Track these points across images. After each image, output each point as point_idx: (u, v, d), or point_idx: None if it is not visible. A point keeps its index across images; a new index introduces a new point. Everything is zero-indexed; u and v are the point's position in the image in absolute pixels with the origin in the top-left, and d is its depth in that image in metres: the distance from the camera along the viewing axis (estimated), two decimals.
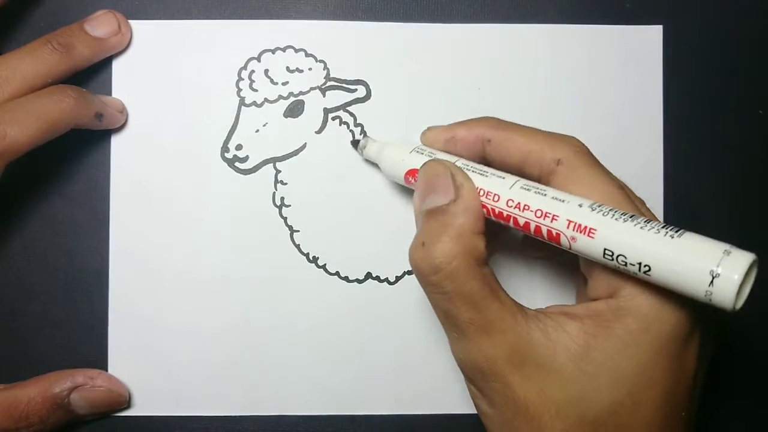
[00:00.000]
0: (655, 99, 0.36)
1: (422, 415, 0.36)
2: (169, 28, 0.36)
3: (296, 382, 0.36)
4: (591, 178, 0.28)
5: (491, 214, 0.29)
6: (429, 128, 0.33)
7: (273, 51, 0.36)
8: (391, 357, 0.36)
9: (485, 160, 0.31)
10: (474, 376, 0.28)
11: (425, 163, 0.30)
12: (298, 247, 0.36)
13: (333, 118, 0.36)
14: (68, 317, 0.36)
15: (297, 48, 0.36)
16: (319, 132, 0.36)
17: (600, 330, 0.26)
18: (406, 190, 0.36)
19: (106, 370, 0.35)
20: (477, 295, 0.26)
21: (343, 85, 0.36)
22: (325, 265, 0.36)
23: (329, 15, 0.36)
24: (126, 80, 0.36)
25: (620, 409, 0.26)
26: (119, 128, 0.35)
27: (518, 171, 0.30)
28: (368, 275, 0.36)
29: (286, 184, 0.36)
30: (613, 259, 0.25)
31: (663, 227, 0.25)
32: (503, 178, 0.29)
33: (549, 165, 0.29)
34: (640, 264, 0.25)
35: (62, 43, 0.33)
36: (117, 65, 0.36)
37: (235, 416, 0.36)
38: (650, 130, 0.36)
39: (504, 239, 0.35)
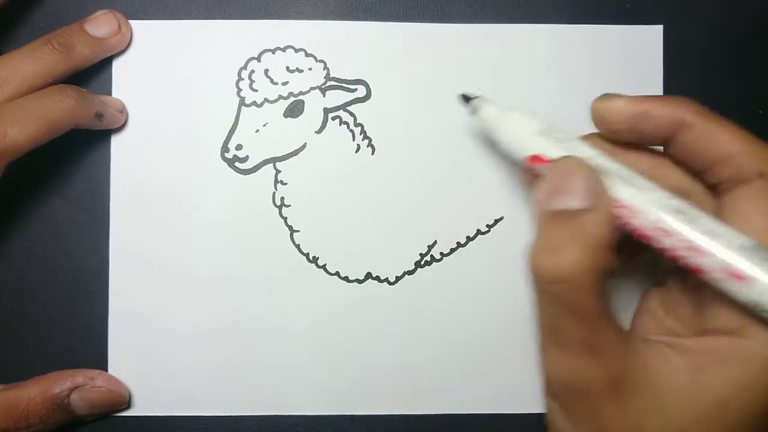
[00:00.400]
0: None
1: (422, 415, 0.36)
2: (169, 28, 0.36)
3: (296, 382, 0.36)
4: None
5: (625, 228, 0.26)
6: (608, 96, 0.28)
7: (273, 51, 0.36)
8: (391, 357, 0.36)
9: (666, 146, 0.28)
10: (562, 394, 0.26)
11: (562, 159, 0.27)
12: (298, 247, 0.36)
13: (333, 118, 0.36)
14: (68, 317, 0.36)
15: (297, 48, 0.36)
16: (319, 132, 0.36)
17: (713, 368, 0.24)
18: (407, 191, 0.36)
19: (106, 370, 0.35)
20: (594, 314, 0.24)
21: (343, 85, 0.36)
22: (325, 265, 0.36)
23: (329, 15, 0.36)
24: (126, 80, 0.36)
25: None
26: (119, 128, 0.35)
27: (704, 168, 0.27)
28: (368, 275, 0.36)
29: (286, 184, 0.36)
30: (761, 312, 0.23)
31: None
32: (651, 190, 0.26)
33: (748, 173, 0.26)
34: None
35: (62, 43, 0.33)
36: (117, 65, 0.36)
37: (235, 416, 0.36)
38: None
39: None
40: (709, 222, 0.25)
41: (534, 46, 0.36)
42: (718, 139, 0.26)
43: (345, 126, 0.36)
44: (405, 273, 0.36)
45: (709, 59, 0.37)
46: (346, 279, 0.36)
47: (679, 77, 0.36)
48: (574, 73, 0.36)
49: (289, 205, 0.36)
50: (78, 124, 0.33)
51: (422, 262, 0.36)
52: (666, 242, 0.25)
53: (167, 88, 0.36)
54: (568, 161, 0.26)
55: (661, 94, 0.36)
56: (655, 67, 0.36)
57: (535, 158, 0.28)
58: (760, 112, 0.37)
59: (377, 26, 0.36)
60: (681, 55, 0.36)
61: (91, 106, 0.33)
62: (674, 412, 0.24)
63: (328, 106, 0.36)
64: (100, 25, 0.34)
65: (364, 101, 0.36)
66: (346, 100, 0.36)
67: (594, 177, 0.26)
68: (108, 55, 0.35)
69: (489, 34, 0.36)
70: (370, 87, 0.36)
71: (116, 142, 0.36)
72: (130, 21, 0.35)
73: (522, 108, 0.29)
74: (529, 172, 0.29)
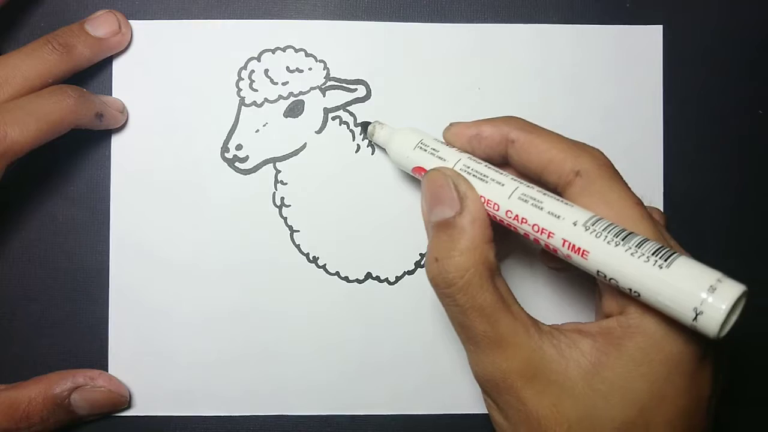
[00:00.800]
0: (655, 99, 0.36)
1: (422, 415, 0.36)
2: (169, 28, 0.36)
3: (296, 381, 0.36)
4: (608, 193, 0.27)
5: (495, 219, 0.29)
6: (453, 124, 0.32)
7: (273, 51, 0.36)
8: (390, 357, 0.36)
9: (506, 161, 0.31)
10: (489, 388, 0.28)
11: (428, 173, 0.30)
12: (298, 247, 0.36)
13: (333, 118, 0.36)
14: (68, 317, 0.36)
15: (297, 48, 0.36)
16: (319, 132, 0.36)
17: (611, 348, 0.26)
18: (407, 191, 0.36)
19: (107, 370, 0.35)
20: (490, 307, 0.27)
21: (343, 84, 0.36)
22: (325, 265, 0.36)
23: (329, 15, 0.36)
24: (126, 80, 0.36)
25: (632, 428, 0.26)
26: (119, 128, 0.35)
27: (537, 176, 0.29)
28: (368, 275, 0.36)
29: (286, 184, 0.36)
30: (606, 280, 0.25)
31: (655, 253, 0.24)
32: (503, 185, 0.29)
33: (568, 175, 0.28)
34: (630, 289, 0.25)
35: (63, 43, 0.33)
36: (117, 65, 0.36)
37: (235, 416, 0.36)
38: (650, 130, 0.36)
39: (514, 241, 0.35)
40: (552, 204, 0.27)
41: (534, 46, 0.36)
42: (536, 149, 0.29)
43: (345, 126, 0.36)
44: (405, 273, 0.36)
45: (709, 59, 0.37)
46: (346, 279, 0.36)
47: (679, 77, 0.36)
48: (574, 73, 0.36)
49: (289, 205, 0.36)
50: (78, 124, 0.33)
51: (422, 262, 0.36)
52: (523, 228, 0.28)
53: (167, 88, 0.36)
54: (433, 173, 0.29)
55: (661, 93, 0.36)
56: (655, 67, 0.36)
57: (417, 169, 0.32)
58: (760, 112, 0.37)
59: (377, 26, 0.36)
60: (681, 55, 0.36)
61: (92, 106, 0.33)
62: (584, 393, 0.26)
63: (328, 106, 0.36)
64: (101, 25, 0.34)
65: (364, 101, 0.36)
66: (346, 100, 0.36)
67: (457, 182, 0.28)
68: (108, 55, 0.35)
69: (489, 34, 0.36)
70: (370, 87, 0.36)
71: (116, 142, 0.36)
72: (130, 21, 0.35)
73: (406, 125, 0.34)
74: (419, 178, 0.31)
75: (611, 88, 0.36)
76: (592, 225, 0.26)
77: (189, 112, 0.36)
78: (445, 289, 0.27)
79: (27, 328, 0.36)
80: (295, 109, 0.36)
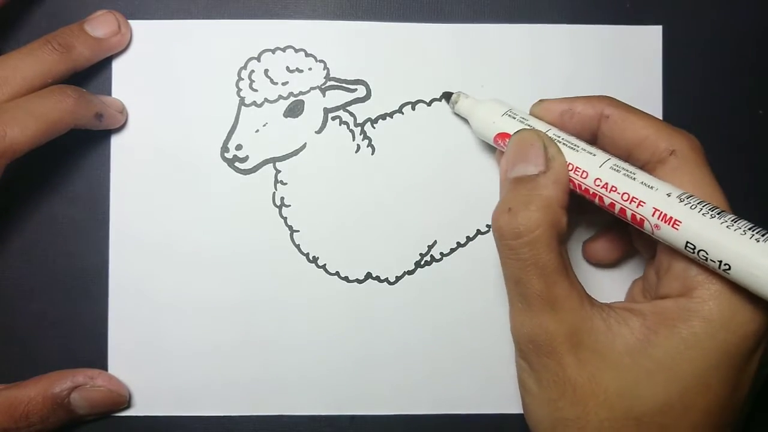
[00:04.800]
0: (655, 99, 0.36)
1: (422, 414, 0.36)
2: (169, 28, 0.36)
3: (296, 382, 0.36)
4: (700, 177, 0.28)
5: (577, 189, 0.29)
6: (542, 100, 0.33)
7: (273, 51, 0.36)
8: (390, 357, 0.36)
9: (595, 138, 0.31)
10: (528, 349, 0.28)
11: (518, 131, 0.30)
12: (298, 247, 0.36)
13: (333, 118, 0.36)
14: (68, 317, 0.36)
15: (297, 48, 0.36)
16: (319, 132, 0.36)
17: (663, 328, 0.27)
18: (406, 191, 0.36)
19: (106, 370, 0.35)
20: (551, 267, 0.27)
21: (343, 85, 0.36)
22: (325, 265, 0.36)
23: (329, 15, 0.36)
24: (126, 80, 0.36)
25: (669, 410, 0.26)
26: (119, 128, 0.35)
27: (627, 153, 0.30)
28: (368, 275, 0.36)
29: (286, 184, 0.36)
30: (694, 253, 0.26)
31: (751, 228, 0.25)
32: (594, 154, 0.29)
33: (662, 153, 0.29)
34: (720, 262, 0.25)
35: (62, 43, 0.33)
36: (117, 65, 0.36)
37: (235, 416, 0.36)
38: None
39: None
40: (644, 177, 0.28)
41: (534, 46, 0.36)
42: (632, 126, 0.30)
43: (345, 126, 0.36)
44: (405, 273, 0.36)
45: (708, 59, 0.37)
46: (346, 279, 0.36)
47: (679, 77, 0.36)
48: (574, 73, 0.36)
49: (289, 205, 0.36)
50: (78, 124, 0.33)
51: (422, 262, 0.36)
52: (611, 196, 0.28)
53: (167, 88, 0.36)
54: (525, 132, 0.30)
55: (661, 93, 0.36)
56: (655, 67, 0.36)
57: (501, 135, 0.32)
58: (760, 112, 0.37)
59: (377, 26, 0.36)
60: (681, 55, 0.36)
61: (91, 106, 0.33)
62: (627, 368, 0.26)
63: (328, 106, 0.36)
64: (100, 25, 0.34)
65: (364, 101, 0.36)
66: (346, 100, 0.36)
67: (547, 144, 0.29)
68: (108, 55, 0.35)
69: (489, 34, 0.36)
70: (370, 87, 0.36)
71: (116, 142, 0.36)
72: (130, 21, 0.35)
73: (491, 98, 0.34)
74: (499, 147, 0.33)
75: (611, 88, 0.36)
76: (686, 198, 0.26)
77: (189, 112, 0.36)
78: (511, 240, 0.27)
79: (27, 328, 0.36)
80: (295, 109, 0.36)
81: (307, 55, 0.36)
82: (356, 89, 0.36)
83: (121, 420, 0.35)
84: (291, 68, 0.36)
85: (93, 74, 0.35)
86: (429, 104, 0.36)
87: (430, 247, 0.36)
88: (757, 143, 0.37)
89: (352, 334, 0.36)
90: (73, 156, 0.36)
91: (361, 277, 0.36)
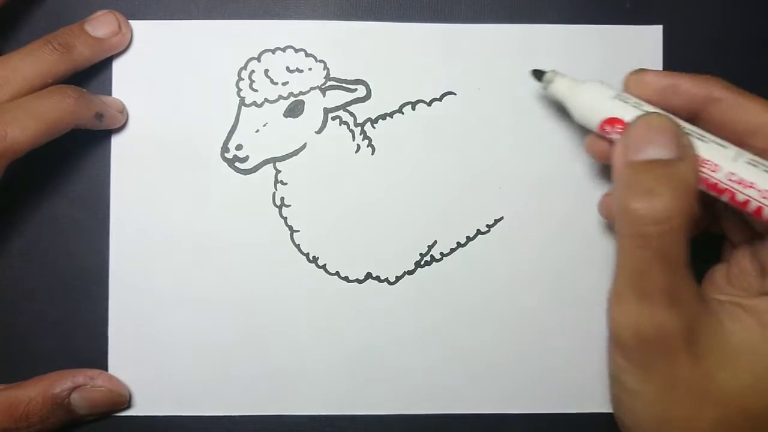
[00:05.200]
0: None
1: (422, 414, 0.36)
2: (169, 28, 0.36)
3: (296, 382, 0.36)
4: None
5: (704, 184, 0.27)
6: (641, 70, 0.30)
7: (273, 51, 0.36)
8: (390, 357, 0.36)
9: (694, 120, 0.29)
10: (634, 345, 0.27)
11: (648, 115, 0.28)
12: (298, 247, 0.36)
13: (333, 118, 0.36)
14: (68, 317, 0.36)
15: (297, 48, 0.36)
16: (319, 132, 0.36)
17: None
18: (406, 191, 0.36)
19: (107, 370, 0.35)
20: (678, 261, 0.25)
21: (343, 85, 0.36)
22: (325, 265, 0.36)
23: (329, 15, 0.36)
24: (126, 80, 0.36)
25: None
26: (119, 128, 0.36)
27: (739, 141, 0.28)
28: (368, 275, 0.36)
29: (286, 184, 0.36)
30: None
31: None
32: (724, 146, 0.27)
33: None
34: None
35: (63, 43, 0.33)
36: (117, 65, 0.36)
37: (235, 416, 0.36)
38: None
39: None
40: None
41: (534, 46, 0.36)
42: (747, 111, 0.28)
43: (345, 126, 0.36)
44: (405, 273, 0.36)
45: (709, 59, 0.37)
46: (346, 279, 0.36)
47: None
48: (574, 74, 0.36)
49: (289, 205, 0.36)
50: (78, 124, 0.33)
51: (422, 262, 0.36)
52: (748, 193, 0.26)
53: (167, 88, 0.36)
54: (657, 116, 0.27)
55: None
56: (655, 67, 0.36)
57: (612, 120, 0.29)
58: None
59: (377, 26, 0.36)
60: (681, 55, 0.36)
61: (91, 106, 0.33)
62: (745, 366, 0.26)
63: (328, 106, 0.36)
64: (101, 25, 0.34)
65: (364, 101, 0.36)
66: (346, 100, 0.36)
67: (682, 130, 0.27)
68: (108, 55, 0.35)
69: (489, 33, 0.36)
70: (370, 87, 0.36)
71: (116, 142, 0.36)
72: (130, 21, 0.35)
73: (594, 79, 0.31)
74: (603, 135, 0.30)
75: None
76: None
77: (189, 112, 0.36)
78: (648, 226, 0.25)
79: (27, 328, 0.36)
80: (295, 109, 0.36)
81: (307, 55, 0.36)
82: (356, 89, 0.36)
83: (121, 420, 0.35)
84: (291, 68, 0.36)
85: (93, 74, 0.35)
86: (429, 104, 0.36)
87: (430, 247, 0.36)
88: None
89: (352, 334, 0.36)
90: (73, 156, 0.36)
91: (361, 277, 0.36)
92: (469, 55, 0.36)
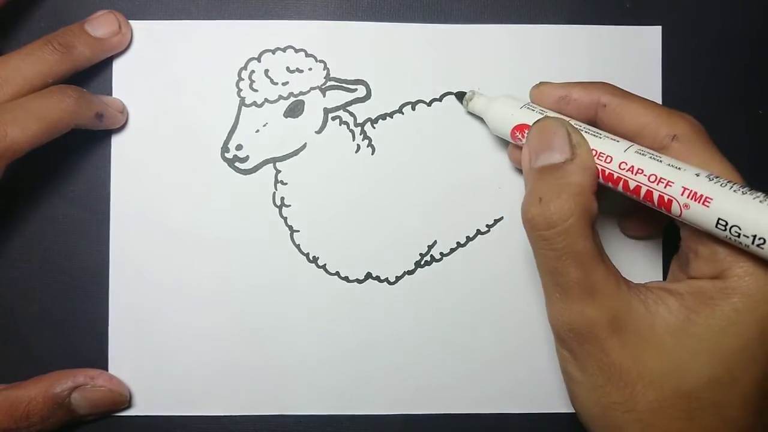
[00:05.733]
0: (655, 99, 0.36)
1: (422, 414, 0.36)
2: (169, 28, 0.36)
3: (296, 382, 0.36)
4: (707, 158, 0.28)
5: (601, 176, 0.29)
6: (541, 83, 0.33)
7: (273, 51, 0.36)
8: (390, 357, 0.36)
9: (593, 126, 0.31)
10: (569, 338, 0.28)
11: (540, 119, 0.30)
12: (298, 247, 0.36)
13: (333, 118, 0.36)
14: (68, 317, 0.36)
15: (297, 48, 0.36)
16: (319, 132, 0.36)
17: (703, 307, 0.27)
18: (406, 191, 0.36)
19: (107, 370, 0.35)
20: (587, 255, 0.27)
21: (343, 85, 0.36)
22: (325, 265, 0.36)
23: (329, 15, 0.36)
24: (126, 80, 0.36)
25: (717, 385, 0.26)
26: (119, 128, 0.36)
27: (629, 140, 0.30)
28: (368, 275, 0.36)
29: (286, 184, 0.36)
30: (725, 230, 0.26)
31: None
32: (617, 141, 0.29)
33: (664, 139, 0.29)
34: (754, 236, 0.25)
35: (63, 43, 0.33)
36: (117, 65, 0.36)
37: (235, 416, 0.36)
38: None
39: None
40: (670, 159, 0.28)
41: (534, 46, 0.36)
42: (630, 113, 0.30)
43: (345, 126, 0.36)
44: (405, 273, 0.36)
45: (708, 59, 0.37)
46: (346, 279, 0.36)
47: (678, 77, 0.36)
48: (574, 73, 0.36)
49: (289, 205, 0.36)
50: (78, 124, 0.33)
51: (422, 262, 0.36)
52: (637, 179, 0.28)
53: (167, 88, 0.36)
54: (548, 120, 0.30)
55: (660, 94, 0.36)
56: (654, 67, 0.36)
57: (519, 127, 0.32)
58: (760, 112, 0.37)
59: (377, 26, 0.36)
60: (680, 55, 0.36)
61: (91, 106, 0.33)
62: (671, 348, 0.27)
63: (328, 106, 0.36)
64: (101, 25, 0.34)
65: (364, 101, 0.36)
66: (346, 100, 0.36)
67: (571, 131, 0.29)
68: (108, 55, 0.35)
69: (489, 34, 0.36)
70: (370, 87, 0.36)
71: (116, 142, 0.36)
72: (130, 21, 0.35)
73: (505, 94, 0.34)
74: (516, 142, 0.32)
75: None
76: (715, 178, 0.26)
77: (189, 112, 0.36)
78: (544, 231, 0.27)
79: (27, 328, 0.36)
80: (295, 109, 0.36)
81: (307, 55, 0.36)
82: (356, 89, 0.36)
83: (121, 420, 0.35)
84: (291, 68, 0.36)
85: (93, 74, 0.35)
86: (429, 104, 0.36)
87: (430, 247, 0.36)
88: (757, 143, 0.37)
89: (352, 334, 0.36)
90: (73, 156, 0.36)
91: (361, 277, 0.36)
92: (469, 55, 0.36)
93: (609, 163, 0.29)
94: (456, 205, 0.36)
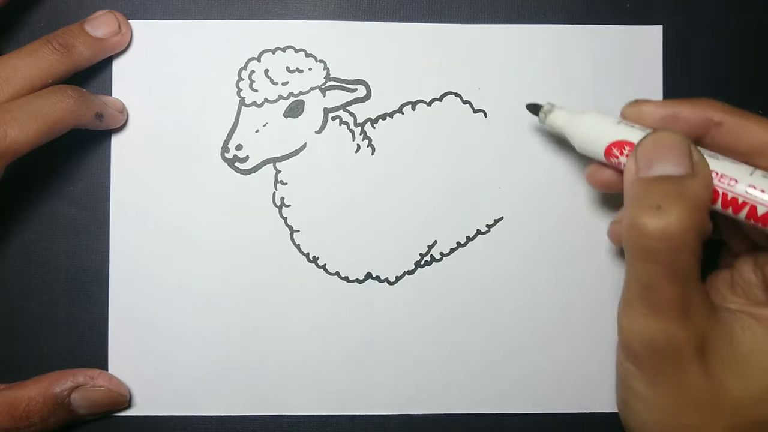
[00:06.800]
0: (655, 99, 0.36)
1: (422, 414, 0.36)
2: (169, 28, 0.36)
3: (296, 382, 0.36)
4: None
5: (721, 200, 0.27)
6: (640, 101, 0.30)
7: (273, 51, 0.36)
8: (390, 357, 0.36)
9: (701, 145, 0.29)
10: (644, 354, 0.27)
11: (656, 132, 0.28)
12: (298, 247, 0.36)
13: (333, 118, 0.36)
14: (68, 317, 0.36)
15: (297, 48, 0.36)
16: (319, 132, 0.36)
17: None
18: (406, 191, 0.36)
19: (107, 369, 0.35)
20: (689, 275, 0.26)
21: (343, 85, 0.36)
22: (325, 265, 0.36)
23: (329, 15, 0.36)
24: (126, 80, 0.36)
25: None
26: (119, 128, 0.36)
27: (744, 162, 0.28)
28: (368, 275, 0.36)
29: (286, 184, 0.36)
30: None
31: None
32: (737, 163, 0.27)
33: None
34: None
35: (62, 43, 0.33)
36: (117, 65, 0.36)
37: (235, 416, 0.36)
38: None
39: None
40: None
41: (534, 46, 0.36)
42: (749, 132, 0.28)
43: (345, 126, 0.36)
44: (405, 273, 0.36)
45: (709, 59, 0.37)
46: (346, 279, 0.36)
47: (679, 77, 0.36)
48: (574, 73, 0.36)
49: (289, 205, 0.36)
50: (78, 124, 0.33)
51: (422, 262, 0.36)
52: (765, 205, 0.26)
53: (167, 88, 0.36)
54: (669, 133, 0.28)
55: (661, 94, 0.36)
56: (655, 67, 0.36)
57: (617, 144, 0.29)
58: (760, 112, 0.37)
59: (377, 26, 0.36)
60: (681, 55, 0.36)
61: (91, 106, 0.33)
62: (755, 376, 0.26)
63: (328, 106, 0.36)
64: (100, 25, 0.34)
65: (364, 101, 0.36)
66: (346, 100, 0.36)
67: (693, 147, 0.27)
68: (108, 55, 0.35)
69: (489, 34, 0.36)
70: (370, 87, 0.36)
71: (116, 142, 0.36)
72: (130, 21, 0.35)
73: (590, 109, 0.31)
74: (608, 162, 0.30)
75: (611, 88, 0.36)
76: None
77: (189, 112, 0.36)
78: (656, 242, 0.25)
79: (27, 328, 0.36)
80: (295, 109, 0.36)
81: (307, 55, 0.36)
82: (356, 89, 0.36)
83: (121, 420, 0.35)
84: (291, 68, 0.36)
85: (93, 74, 0.35)
86: (429, 104, 0.36)
87: (430, 247, 0.36)
88: None
89: (352, 334, 0.36)
90: (73, 156, 0.36)
91: (361, 277, 0.36)
92: (469, 55, 0.36)
93: (734, 185, 0.27)
94: (456, 205, 0.36)
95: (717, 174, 0.27)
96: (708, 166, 0.27)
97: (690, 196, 0.26)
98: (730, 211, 0.27)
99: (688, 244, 0.25)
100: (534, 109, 0.33)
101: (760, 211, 0.26)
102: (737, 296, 0.30)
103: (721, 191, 0.27)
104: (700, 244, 0.26)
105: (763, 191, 0.26)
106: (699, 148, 0.28)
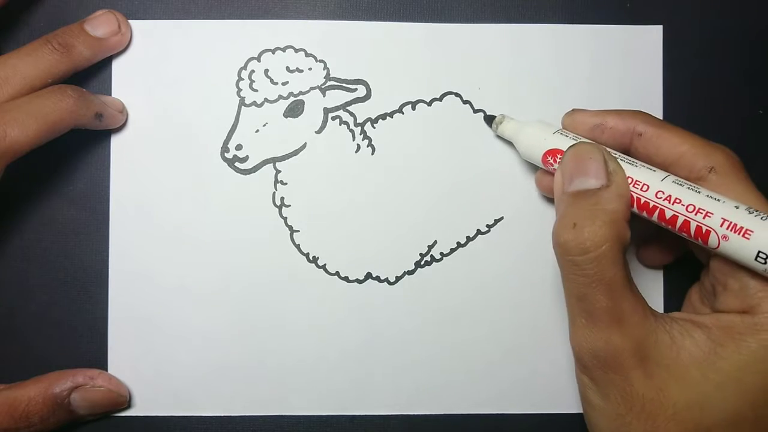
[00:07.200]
0: (655, 99, 0.36)
1: (422, 415, 0.36)
2: (169, 28, 0.36)
3: (296, 382, 0.36)
4: (744, 191, 0.28)
5: (636, 205, 0.29)
6: (575, 110, 0.33)
7: (273, 51, 0.36)
8: (390, 357, 0.36)
9: (628, 155, 0.31)
10: (592, 365, 0.28)
11: (575, 144, 0.30)
12: (298, 247, 0.36)
13: (333, 118, 0.36)
14: (68, 317, 0.36)
15: (297, 48, 0.36)
16: (319, 132, 0.36)
17: (730, 341, 0.27)
18: (406, 191, 0.36)
19: (106, 370, 0.35)
20: (617, 283, 0.27)
21: (343, 84, 0.36)
22: (325, 265, 0.36)
23: (329, 15, 0.36)
24: (126, 80, 0.36)
25: (741, 421, 0.26)
26: (119, 128, 0.36)
27: (664, 170, 0.29)
28: (368, 275, 0.36)
29: (286, 184, 0.36)
30: (765, 263, 0.26)
31: None
32: (653, 170, 0.29)
33: (700, 171, 0.29)
34: None
35: (62, 43, 0.33)
36: (117, 65, 0.36)
37: (235, 416, 0.36)
38: None
39: None
40: (706, 191, 0.28)
41: (534, 46, 0.36)
42: (667, 143, 0.30)
43: (345, 126, 0.36)
44: (405, 273, 0.36)
45: (709, 59, 0.37)
46: (346, 279, 0.36)
47: (679, 77, 0.36)
48: (574, 73, 0.36)
49: (289, 205, 0.36)
50: (78, 124, 0.33)
51: (422, 262, 0.36)
52: (675, 209, 0.28)
53: (167, 88, 0.36)
54: (584, 145, 0.29)
55: (661, 93, 0.36)
56: (655, 67, 0.36)
57: (551, 152, 0.31)
58: (760, 112, 0.37)
59: (377, 26, 0.36)
60: (681, 55, 0.36)
61: (91, 106, 0.33)
62: (696, 380, 0.26)
63: (328, 106, 0.36)
64: (100, 25, 0.34)
65: (364, 101, 0.36)
66: (346, 100, 0.36)
67: (608, 158, 0.29)
68: (108, 55, 0.35)
69: (489, 34, 0.36)
70: (370, 87, 0.36)
71: (116, 142, 0.36)
72: (130, 21, 0.35)
73: (536, 120, 0.34)
74: (547, 168, 0.32)
75: (611, 88, 0.36)
76: (754, 211, 0.27)
77: (189, 112, 0.36)
78: (577, 257, 0.27)
79: (27, 328, 0.36)
80: (295, 109, 0.36)
81: (307, 55, 0.36)
82: (356, 89, 0.36)
83: (121, 420, 0.35)
84: (291, 68, 0.36)
85: (93, 74, 0.35)
86: (429, 104, 0.36)
87: (430, 247, 0.36)
88: (757, 143, 0.37)
89: (352, 334, 0.36)
90: (73, 156, 0.36)
91: (361, 277, 0.36)
92: (469, 55, 0.36)
93: (645, 191, 0.28)
94: (456, 205, 0.36)
95: (632, 180, 0.29)
96: (623, 174, 0.28)
97: (604, 209, 0.27)
98: (645, 214, 0.29)
99: (608, 255, 0.26)
100: (489, 120, 0.35)
101: (668, 214, 0.28)
102: (704, 306, 0.31)
103: (635, 196, 0.29)
104: (622, 253, 0.27)
105: (668, 198, 0.28)
106: (620, 155, 0.30)
